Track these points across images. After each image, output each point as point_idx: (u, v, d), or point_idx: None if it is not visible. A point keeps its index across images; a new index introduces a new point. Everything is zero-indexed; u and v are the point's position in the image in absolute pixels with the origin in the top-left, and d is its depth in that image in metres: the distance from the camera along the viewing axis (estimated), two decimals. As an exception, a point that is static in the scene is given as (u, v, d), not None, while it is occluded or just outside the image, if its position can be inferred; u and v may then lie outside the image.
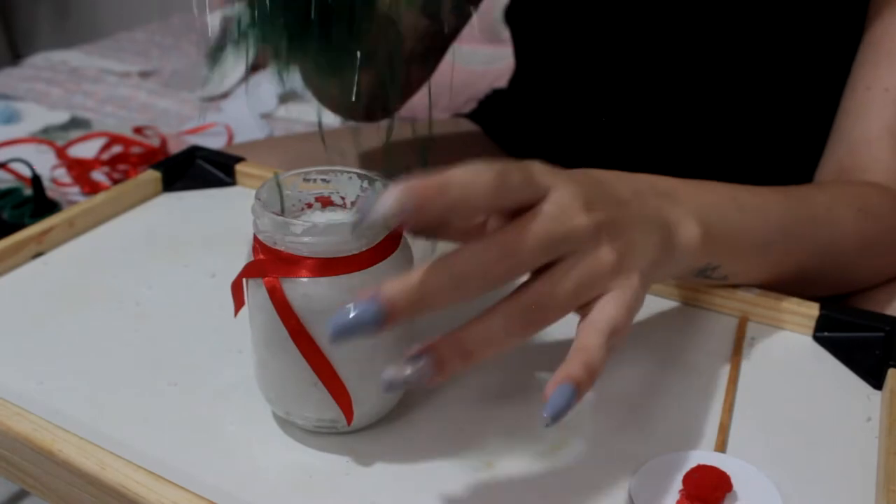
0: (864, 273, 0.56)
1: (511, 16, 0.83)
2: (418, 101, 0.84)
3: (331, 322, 0.33)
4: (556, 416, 0.35)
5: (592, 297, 0.38)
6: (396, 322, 0.34)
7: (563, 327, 0.51)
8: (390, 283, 0.34)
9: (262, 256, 0.39)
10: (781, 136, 0.72)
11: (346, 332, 0.33)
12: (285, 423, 0.43)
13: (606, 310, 0.38)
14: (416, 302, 0.34)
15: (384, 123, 0.47)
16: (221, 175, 0.69)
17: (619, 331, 0.38)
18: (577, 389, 0.35)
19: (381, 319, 0.33)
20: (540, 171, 0.38)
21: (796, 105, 0.70)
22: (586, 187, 0.38)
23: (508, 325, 0.36)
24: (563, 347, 0.50)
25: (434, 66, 0.80)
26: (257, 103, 1.71)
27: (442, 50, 0.81)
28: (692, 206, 0.45)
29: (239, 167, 0.69)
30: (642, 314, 0.53)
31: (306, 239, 0.37)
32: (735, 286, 0.52)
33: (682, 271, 0.46)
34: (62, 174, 1.40)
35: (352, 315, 0.33)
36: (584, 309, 0.39)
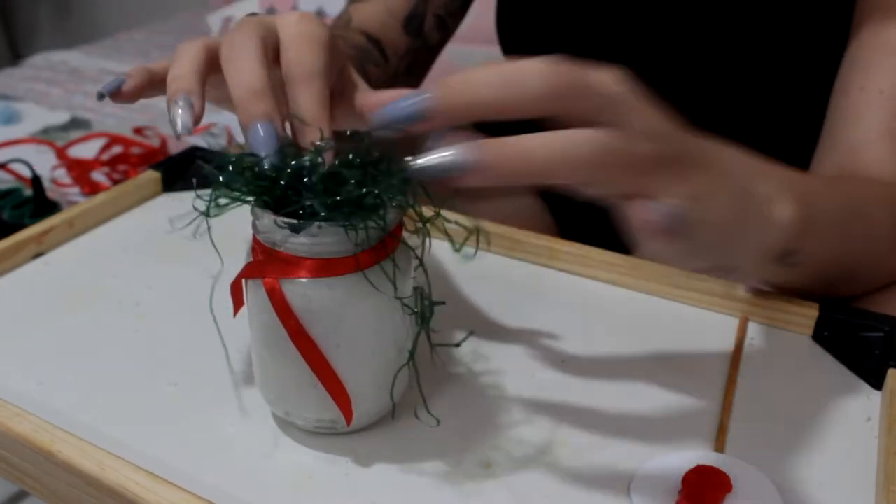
0: (886, 272, 0.55)
1: (501, 26, 0.83)
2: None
3: (383, 110, 0.34)
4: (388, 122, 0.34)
5: (642, 183, 0.35)
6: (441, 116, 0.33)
7: (562, 335, 0.51)
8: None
9: (261, 257, 0.39)
10: (773, 139, 0.72)
11: (395, 118, 0.34)
12: (285, 424, 0.43)
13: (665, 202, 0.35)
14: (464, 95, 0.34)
15: None
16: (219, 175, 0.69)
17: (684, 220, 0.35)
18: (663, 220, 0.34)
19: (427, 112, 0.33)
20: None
21: (788, 106, 0.70)
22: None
23: (575, 147, 0.33)
24: (562, 351, 0.50)
25: (420, 79, 0.81)
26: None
27: (425, 65, 0.82)
28: (783, 181, 0.42)
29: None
30: (642, 314, 0.53)
31: (305, 240, 0.37)
32: (733, 288, 0.52)
33: (768, 251, 0.43)
34: (62, 174, 1.40)
35: (406, 103, 0.33)
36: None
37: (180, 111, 0.41)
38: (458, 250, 0.35)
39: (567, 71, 0.34)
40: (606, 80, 0.34)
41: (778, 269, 0.47)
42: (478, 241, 0.40)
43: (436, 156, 0.33)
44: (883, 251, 0.53)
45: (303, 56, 0.41)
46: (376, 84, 0.70)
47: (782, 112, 0.70)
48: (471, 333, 0.47)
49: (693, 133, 0.38)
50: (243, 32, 0.42)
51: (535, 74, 0.33)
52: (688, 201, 0.35)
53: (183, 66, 0.43)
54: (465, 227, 0.39)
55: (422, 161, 0.33)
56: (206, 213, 0.38)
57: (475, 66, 0.34)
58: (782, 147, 0.71)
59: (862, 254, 0.52)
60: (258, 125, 0.39)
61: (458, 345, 0.47)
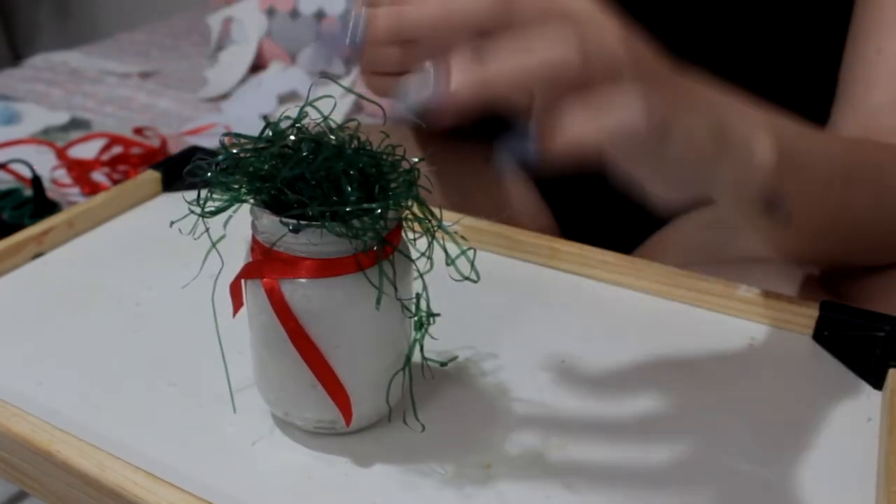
0: None
1: None
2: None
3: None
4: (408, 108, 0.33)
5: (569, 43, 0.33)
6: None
7: (562, 335, 0.51)
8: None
9: (260, 257, 0.39)
10: (781, 104, 0.71)
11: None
12: (284, 425, 0.43)
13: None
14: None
15: None
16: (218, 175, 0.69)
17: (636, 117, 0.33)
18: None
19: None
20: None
21: (793, 75, 0.69)
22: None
23: (541, 61, 0.32)
24: (562, 352, 0.50)
25: None
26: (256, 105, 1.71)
27: None
28: (762, 120, 0.42)
29: (238, 167, 0.69)
30: (642, 313, 0.53)
31: (305, 240, 0.37)
32: (743, 289, 0.52)
33: (751, 190, 0.42)
34: (62, 175, 1.40)
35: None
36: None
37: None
38: (451, 263, 0.35)
39: None
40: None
41: (768, 221, 0.46)
42: (472, 265, 0.40)
43: (413, 93, 0.33)
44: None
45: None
46: None
47: (791, 76, 0.69)
48: (454, 358, 0.47)
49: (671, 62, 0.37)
50: None
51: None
52: (663, 107, 0.34)
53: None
54: (461, 237, 0.39)
55: (402, 103, 0.33)
56: (202, 214, 0.38)
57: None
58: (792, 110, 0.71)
59: (871, 216, 0.51)
60: None
61: (444, 364, 0.47)
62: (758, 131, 0.41)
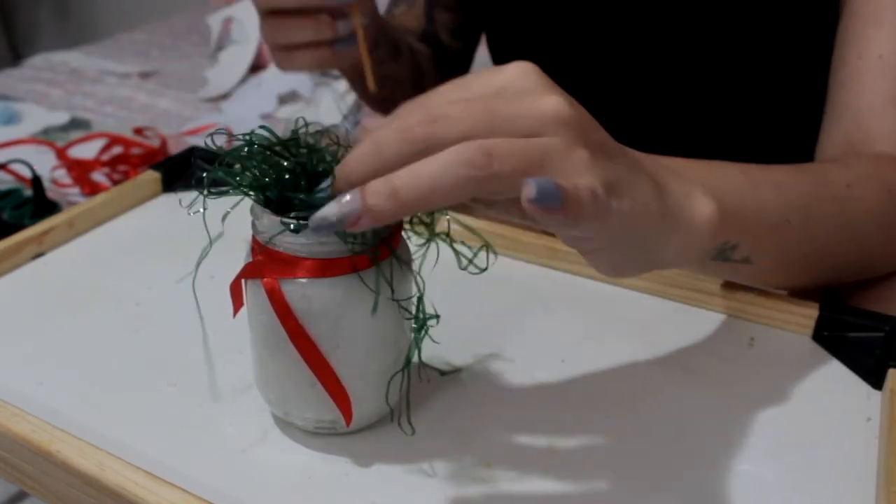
0: (887, 256, 0.55)
1: (490, 32, 0.84)
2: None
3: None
4: (541, 196, 0.31)
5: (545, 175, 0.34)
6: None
7: (562, 335, 0.51)
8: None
9: (260, 257, 0.39)
10: (772, 119, 0.71)
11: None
12: (284, 425, 0.43)
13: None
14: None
15: None
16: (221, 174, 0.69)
17: (606, 195, 0.34)
18: (562, 197, 0.32)
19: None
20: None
21: (784, 84, 0.69)
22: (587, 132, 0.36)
23: (446, 167, 0.32)
24: (562, 352, 0.50)
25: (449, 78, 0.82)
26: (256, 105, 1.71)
27: (463, 62, 0.89)
28: (703, 181, 0.42)
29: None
30: (642, 313, 0.53)
31: (305, 240, 0.37)
32: (736, 285, 0.52)
33: (699, 251, 0.42)
34: (62, 175, 1.40)
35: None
36: None
37: None
38: (464, 268, 0.35)
39: (425, 115, 0.34)
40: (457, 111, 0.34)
41: (727, 267, 0.46)
42: (487, 256, 0.40)
43: (329, 210, 0.33)
44: (874, 230, 0.52)
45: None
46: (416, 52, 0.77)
47: (778, 92, 0.70)
48: (458, 370, 0.47)
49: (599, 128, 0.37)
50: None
51: (406, 121, 0.34)
52: (600, 185, 0.34)
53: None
54: (475, 234, 0.39)
55: (318, 216, 0.34)
56: (205, 195, 0.38)
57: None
58: (780, 128, 0.71)
59: (841, 239, 0.51)
60: None
61: (443, 373, 0.47)
62: (696, 191, 0.41)
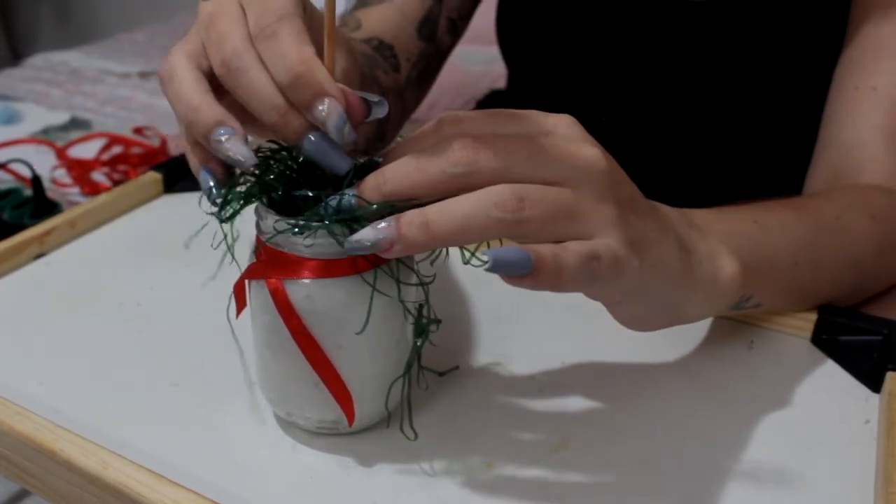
0: (881, 278, 0.56)
1: (501, 29, 0.84)
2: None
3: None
4: (498, 266, 0.33)
5: (573, 231, 0.35)
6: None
7: (562, 336, 0.52)
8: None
9: (264, 258, 0.39)
10: (769, 142, 0.72)
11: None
12: (287, 424, 0.43)
13: (593, 242, 0.35)
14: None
15: None
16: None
17: (601, 265, 0.35)
18: (534, 267, 0.33)
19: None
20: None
21: (783, 110, 0.70)
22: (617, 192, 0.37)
23: (478, 207, 0.33)
24: (562, 352, 0.50)
25: (427, 88, 0.81)
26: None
27: (435, 71, 0.82)
28: (721, 237, 0.43)
29: (240, 168, 0.69)
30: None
31: (309, 240, 0.37)
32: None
33: (720, 308, 0.44)
34: (62, 175, 1.40)
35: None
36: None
37: (233, 142, 0.37)
38: (467, 262, 0.35)
39: (467, 142, 0.34)
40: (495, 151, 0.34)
41: (738, 312, 0.48)
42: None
43: (365, 234, 0.34)
44: (868, 257, 0.53)
45: (266, 5, 0.37)
46: (387, 93, 0.70)
47: (780, 116, 0.70)
48: (456, 368, 0.47)
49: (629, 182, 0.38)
50: (228, 33, 0.38)
51: (448, 156, 0.34)
52: (625, 247, 0.35)
53: (193, 96, 0.39)
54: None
55: (354, 240, 0.34)
56: (220, 219, 0.38)
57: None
58: (780, 150, 0.72)
59: (847, 272, 0.52)
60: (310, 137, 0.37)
61: (442, 374, 0.47)
62: (720, 250, 0.42)
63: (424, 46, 0.78)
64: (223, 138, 0.37)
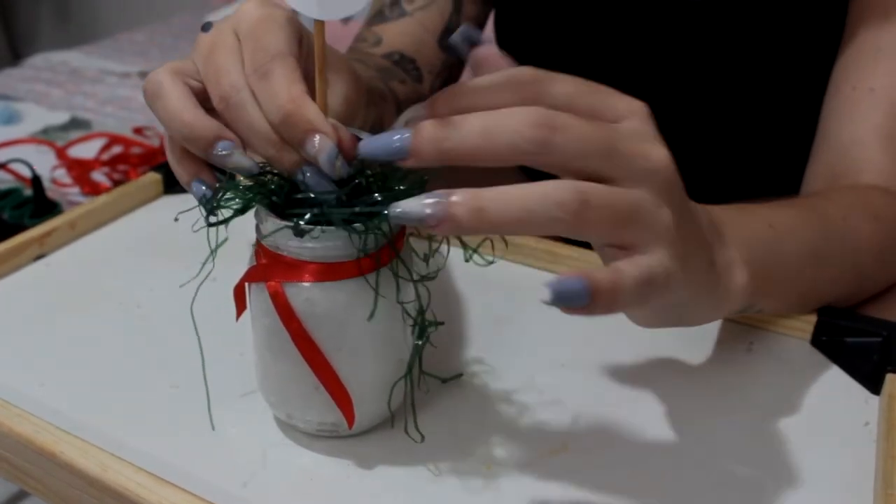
0: (881, 280, 0.56)
1: (501, 32, 0.84)
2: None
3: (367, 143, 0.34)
4: (558, 298, 0.32)
5: (631, 237, 0.34)
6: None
7: (562, 337, 0.52)
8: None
9: (264, 261, 0.39)
10: (767, 141, 0.72)
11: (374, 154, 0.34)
12: (287, 427, 0.43)
13: (647, 258, 0.34)
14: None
15: None
16: (222, 177, 0.69)
17: (653, 287, 0.34)
18: (591, 295, 0.32)
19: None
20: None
21: (780, 109, 0.70)
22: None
23: (539, 204, 0.32)
24: (562, 354, 0.50)
25: None
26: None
27: (457, 80, 0.82)
28: (738, 244, 0.42)
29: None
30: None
31: (309, 244, 0.37)
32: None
33: (727, 313, 0.44)
34: (62, 175, 1.40)
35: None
36: (615, 254, 0.35)
37: (236, 154, 0.39)
38: (468, 259, 0.35)
39: (547, 119, 0.32)
40: (585, 131, 0.33)
41: (739, 315, 0.48)
42: (493, 248, 0.40)
43: (412, 205, 0.32)
44: (868, 259, 0.53)
45: (260, 43, 0.38)
46: (405, 102, 0.70)
47: (778, 116, 0.70)
48: (459, 375, 0.47)
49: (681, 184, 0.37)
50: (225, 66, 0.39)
51: (514, 125, 0.32)
52: (676, 262, 0.35)
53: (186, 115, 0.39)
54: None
55: (399, 209, 0.32)
56: (213, 223, 0.38)
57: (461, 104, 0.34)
58: (777, 150, 0.72)
59: (842, 272, 0.52)
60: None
61: (444, 380, 0.47)
62: (735, 259, 0.41)
63: (446, 57, 0.78)
64: (225, 153, 0.38)
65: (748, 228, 0.44)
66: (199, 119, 0.39)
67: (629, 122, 0.35)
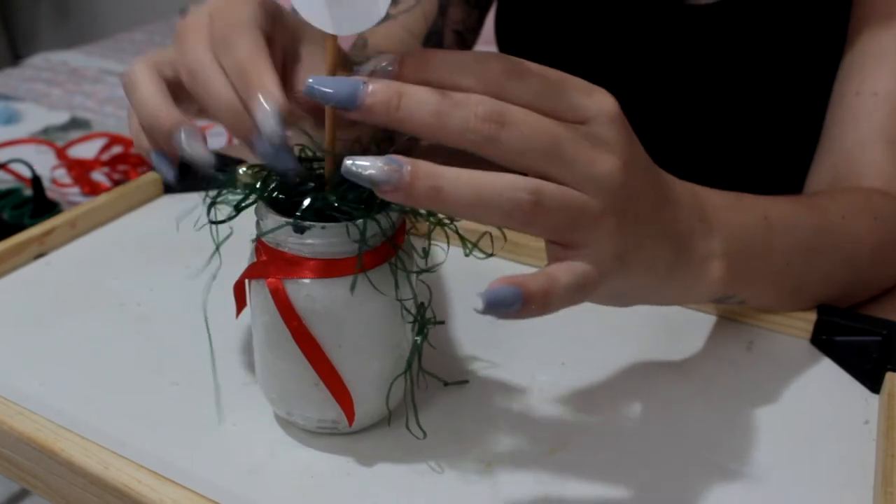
0: (877, 281, 0.56)
1: (500, 31, 0.84)
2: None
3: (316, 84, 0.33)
4: (491, 306, 0.33)
5: (573, 239, 0.35)
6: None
7: (561, 336, 0.52)
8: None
9: (264, 257, 0.39)
10: (770, 144, 0.72)
11: (323, 95, 0.33)
12: (287, 424, 0.44)
13: (581, 265, 0.35)
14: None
15: None
16: (222, 177, 0.69)
17: (585, 291, 0.35)
18: (524, 301, 0.33)
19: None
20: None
21: (783, 113, 0.70)
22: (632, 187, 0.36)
23: (493, 196, 0.33)
24: (562, 353, 0.50)
25: None
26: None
27: None
28: (725, 233, 0.43)
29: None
30: (640, 316, 0.53)
31: (309, 240, 0.37)
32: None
33: (699, 300, 0.44)
34: (62, 174, 1.40)
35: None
36: (556, 251, 0.36)
37: (192, 143, 0.39)
38: (468, 254, 0.35)
39: (499, 114, 0.33)
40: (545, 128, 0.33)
41: (723, 304, 0.48)
42: (492, 243, 0.40)
43: (368, 165, 0.32)
44: (865, 259, 0.53)
45: (226, 19, 0.39)
46: None
47: (781, 119, 0.70)
48: (465, 381, 0.47)
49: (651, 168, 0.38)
50: (197, 49, 0.39)
51: (465, 113, 0.33)
52: (612, 260, 0.35)
53: (154, 103, 0.41)
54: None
55: (352, 163, 0.32)
56: (215, 221, 0.39)
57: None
58: (780, 153, 0.72)
59: (836, 269, 0.52)
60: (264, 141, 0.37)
61: (446, 384, 0.47)
62: (714, 251, 0.42)
63: None
64: (183, 140, 0.39)
65: (741, 217, 0.45)
66: (163, 108, 0.40)
67: (592, 125, 0.35)
